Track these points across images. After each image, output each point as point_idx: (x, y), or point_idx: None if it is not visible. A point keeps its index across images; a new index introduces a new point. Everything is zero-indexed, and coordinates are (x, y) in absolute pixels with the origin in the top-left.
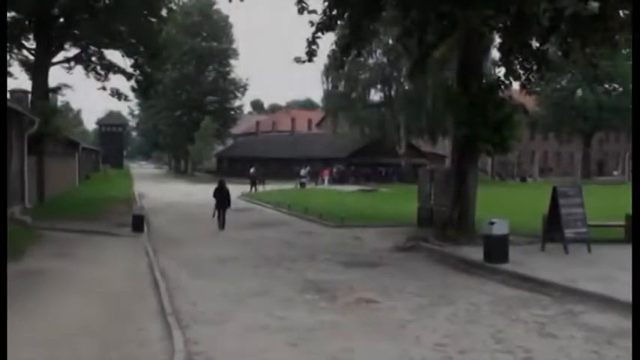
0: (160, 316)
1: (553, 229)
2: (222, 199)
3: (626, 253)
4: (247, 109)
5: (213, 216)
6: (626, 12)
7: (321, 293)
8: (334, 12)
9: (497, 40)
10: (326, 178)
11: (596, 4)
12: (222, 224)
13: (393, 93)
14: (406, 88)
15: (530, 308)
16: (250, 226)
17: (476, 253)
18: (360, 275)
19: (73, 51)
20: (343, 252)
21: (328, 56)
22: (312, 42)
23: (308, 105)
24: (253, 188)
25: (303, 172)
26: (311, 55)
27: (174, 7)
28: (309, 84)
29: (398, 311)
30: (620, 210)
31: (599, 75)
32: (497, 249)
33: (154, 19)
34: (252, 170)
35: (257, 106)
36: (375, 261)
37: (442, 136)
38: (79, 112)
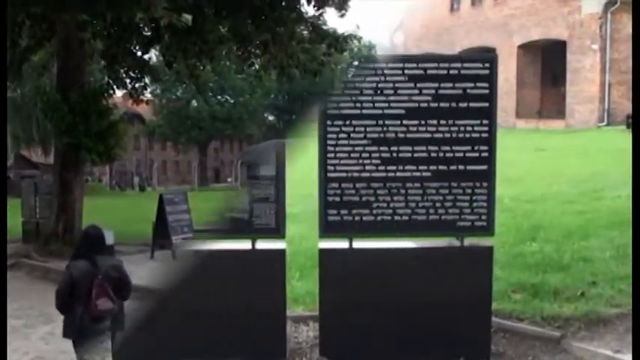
0: None
1: (161, 236)
2: None
3: None
4: None
5: None
6: (224, 29)
7: None
8: None
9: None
10: None
11: (189, 17)
12: None
13: None
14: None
15: None
16: None
17: None
18: None
19: None
20: None
21: None
22: None
23: None
24: None
25: None
26: None
27: None
28: None
29: None
30: None
31: (210, 87)
32: None
33: None
34: None
35: None
36: None
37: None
38: None
